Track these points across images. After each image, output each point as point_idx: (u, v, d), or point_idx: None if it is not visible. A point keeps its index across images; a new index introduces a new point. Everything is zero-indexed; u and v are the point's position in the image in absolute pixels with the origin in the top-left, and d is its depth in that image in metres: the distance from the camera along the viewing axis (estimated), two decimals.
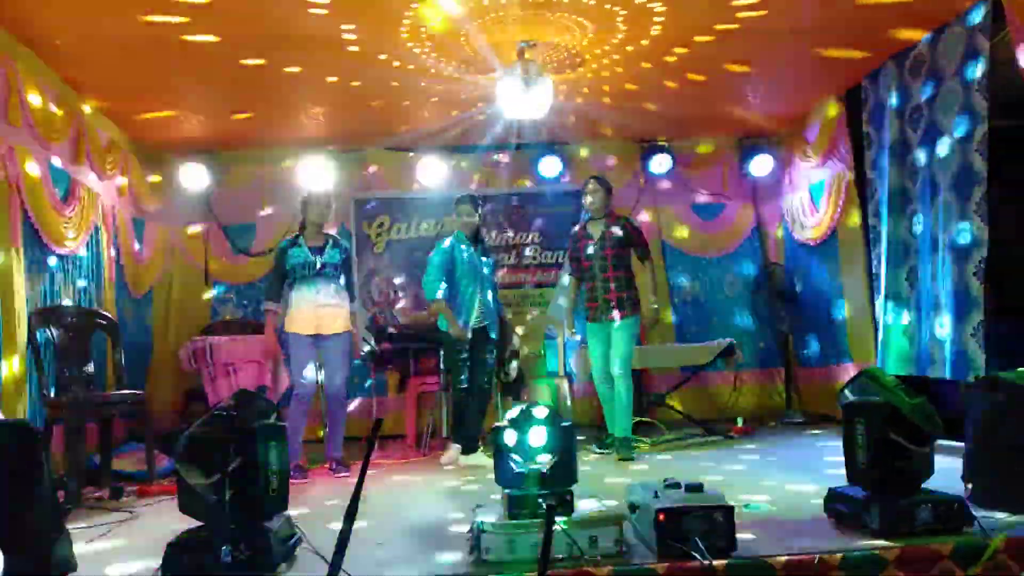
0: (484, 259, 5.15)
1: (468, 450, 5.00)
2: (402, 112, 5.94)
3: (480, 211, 5.20)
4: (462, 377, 4.99)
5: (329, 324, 4.84)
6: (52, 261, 4.68)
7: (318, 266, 4.83)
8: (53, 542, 2.45)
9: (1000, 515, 2.86)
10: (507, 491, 2.72)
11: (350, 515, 2.16)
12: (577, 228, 5.36)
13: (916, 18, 4.58)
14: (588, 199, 5.18)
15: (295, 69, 5.00)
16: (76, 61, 4.64)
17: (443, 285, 4.95)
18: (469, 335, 4.97)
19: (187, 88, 5.28)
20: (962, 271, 4.42)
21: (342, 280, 4.96)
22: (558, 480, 2.70)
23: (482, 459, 4.84)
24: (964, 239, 4.41)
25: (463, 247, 5.06)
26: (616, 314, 5.00)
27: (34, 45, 4.35)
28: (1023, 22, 3.94)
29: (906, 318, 5.02)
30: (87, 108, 5.18)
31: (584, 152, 7.14)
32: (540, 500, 2.61)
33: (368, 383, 6.52)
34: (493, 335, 5.13)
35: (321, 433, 5.19)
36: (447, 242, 5.09)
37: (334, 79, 5.20)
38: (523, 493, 2.68)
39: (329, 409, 4.94)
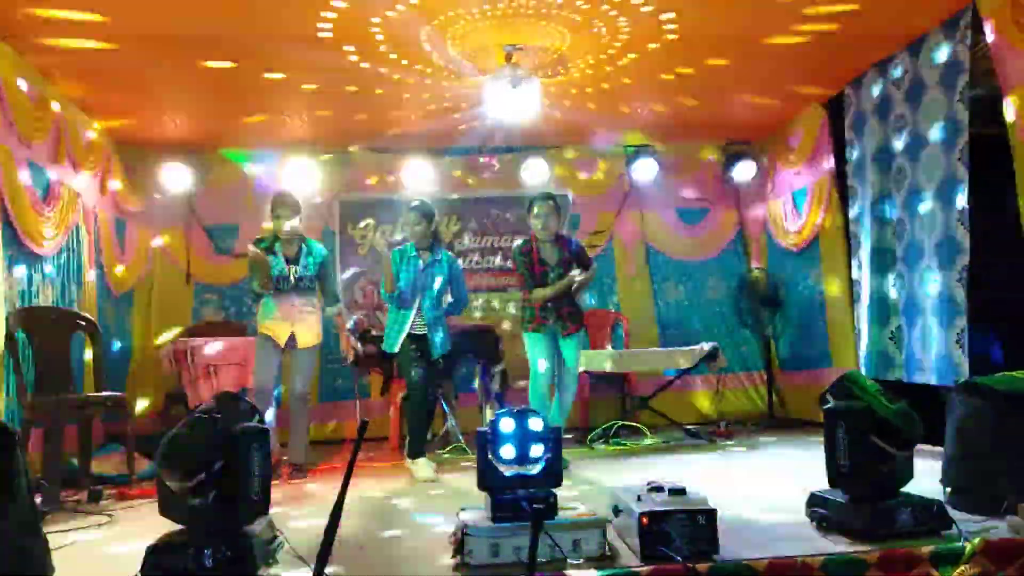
0: (435, 268, 4.76)
1: (412, 455, 4.68)
2: (388, 114, 5.93)
3: (428, 219, 4.72)
4: (413, 373, 4.64)
5: (303, 338, 4.80)
6: (31, 261, 4.62)
7: (292, 281, 4.75)
8: (30, 546, 2.42)
9: (978, 518, 2.89)
10: (491, 494, 2.72)
11: (334, 518, 2.15)
12: (526, 250, 4.77)
13: (897, 27, 4.64)
14: (539, 223, 4.70)
15: (277, 76, 4.99)
16: (57, 60, 4.59)
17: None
18: (398, 347, 4.68)
19: (169, 88, 5.24)
20: (946, 278, 4.48)
21: (317, 290, 4.90)
22: (544, 483, 2.71)
23: (425, 470, 4.55)
24: (947, 246, 4.47)
25: (401, 258, 4.76)
26: (571, 328, 4.79)
27: (14, 42, 4.30)
28: (1001, 32, 4.00)
29: (892, 324, 5.07)
30: (67, 106, 5.12)
31: (569, 156, 7.17)
32: (524, 503, 2.61)
33: (339, 384, 6.52)
34: (435, 352, 4.75)
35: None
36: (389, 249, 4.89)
37: (313, 86, 5.19)
38: (508, 496, 2.67)
39: (292, 414, 4.85)
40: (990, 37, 4.08)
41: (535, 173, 6.85)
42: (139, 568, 2.52)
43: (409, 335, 4.72)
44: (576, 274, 4.62)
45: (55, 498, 3.90)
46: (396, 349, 4.72)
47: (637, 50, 4.87)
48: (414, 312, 4.73)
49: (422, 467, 4.57)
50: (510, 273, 6.99)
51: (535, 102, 4.84)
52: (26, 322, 4.35)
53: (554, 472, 2.75)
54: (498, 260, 7.12)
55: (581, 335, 4.86)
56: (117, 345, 6.04)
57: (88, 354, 4.89)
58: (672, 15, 4.38)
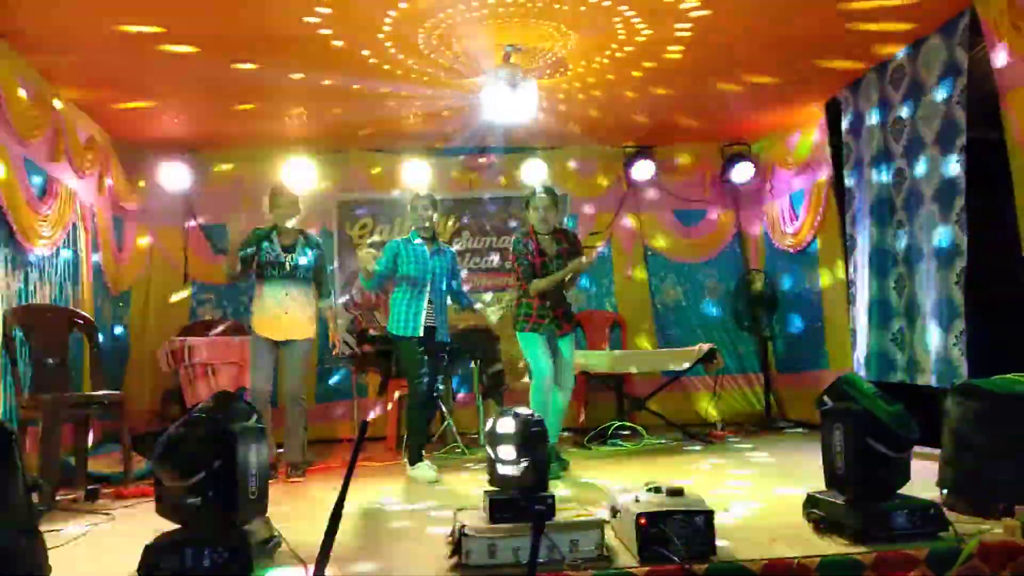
0: (440, 257, 4.78)
1: (413, 460, 4.64)
2: (387, 114, 5.92)
3: (437, 209, 4.82)
4: (422, 371, 4.60)
5: (294, 330, 4.77)
6: (28, 259, 4.61)
7: (288, 268, 4.76)
8: (26, 545, 2.41)
9: (975, 520, 2.90)
10: (489, 494, 2.72)
11: (335, 518, 2.14)
12: (527, 241, 4.66)
13: (896, 29, 4.64)
14: (537, 215, 4.62)
15: (276, 75, 4.98)
16: (55, 58, 4.58)
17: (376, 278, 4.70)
18: (421, 334, 4.65)
19: (168, 88, 5.23)
20: (945, 280, 4.49)
21: (312, 284, 4.89)
22: (538, 484, 2.72)
23: (428, 472, 4.53)
24: (946, 248, 4.48)
25: (410, 245, 4.74)
26: (566, 327, 4.75)
27: (11, 40, 4.29)
28: (998, 36, 4.01)
29: (893, 326, 5.07)
30: (65, 104, 5.11)
31: (567, 156, 7.18)
32: (522, 504, 2.62)
33: (335, 384, 6.50)
34: (441, 338, 4.78)
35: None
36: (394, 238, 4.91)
37: (321, 80, 5.18)
38: (506, 497, 2.68)
39: (287, 413, 4.82)
40: (988, 40, 4.09)
41: (533, 173, 6.85)
42: (136, 568, 2.52)
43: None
44: (584, 261, 4.61)
45: (51, 497, 3.88)
46: (421, 333, 4.63)
47: (634, 50, 4.87)
48: (426, 300, 4.69)
49: (423, 470, 4.56)
50: (507, 273, 6.98)
51: (533, 103, 4.84)
52: (23, 320, 4.34)
53: (544, 473, 2.77)
54: (496, 260, 7.12)
55: (574, 335, 4.84)
56: (114, 344, 6.03)
57: (85, 353, 4.88)
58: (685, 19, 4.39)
